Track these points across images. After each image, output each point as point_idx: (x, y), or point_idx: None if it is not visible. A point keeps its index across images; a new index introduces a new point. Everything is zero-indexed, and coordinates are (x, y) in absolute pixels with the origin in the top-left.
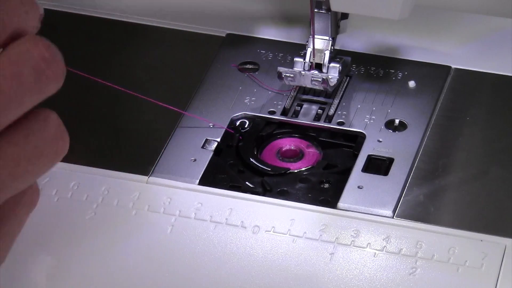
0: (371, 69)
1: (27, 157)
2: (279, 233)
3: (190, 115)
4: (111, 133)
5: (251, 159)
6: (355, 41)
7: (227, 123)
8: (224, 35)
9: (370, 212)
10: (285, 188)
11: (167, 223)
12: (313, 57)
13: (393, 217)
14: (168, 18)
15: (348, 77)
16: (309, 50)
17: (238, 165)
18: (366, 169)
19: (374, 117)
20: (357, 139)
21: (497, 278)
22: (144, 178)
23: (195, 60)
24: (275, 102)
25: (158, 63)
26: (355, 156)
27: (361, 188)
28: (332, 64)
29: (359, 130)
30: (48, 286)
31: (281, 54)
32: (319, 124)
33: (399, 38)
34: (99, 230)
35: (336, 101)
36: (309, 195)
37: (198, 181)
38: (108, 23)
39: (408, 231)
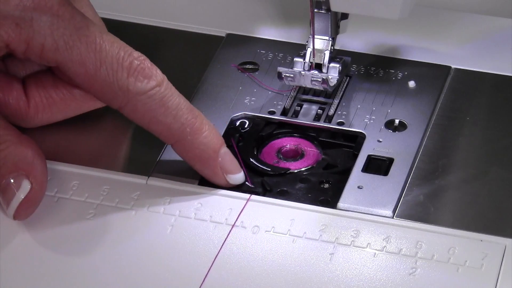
0: (371, 69)
1: None
2: (279, 233)
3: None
4: (111, 133)
5: (251, 159)
6: (355, 41)
7: (227, 123)
8: (224, 35)
9: (370, 212)
10: (285, 188)
11: (167, 223)
12: (313, 57)
13: (393, 217)
14: (168, 18)
15: (348, 77)
16: (309, 50)
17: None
18: (366, 169)
19: (374, 117)
20: (357, 139)
21: (497, 278)
22: (144, 178)
23: (195, 60)
24: (275, 102)
25: (158, 63)
26: (355, 156)
27: (361, 188)
28: (332, 64)
29: (359, 130)
30: (48, 285)
31: (281, 54)
32: (319, 124)
33: (399, 38)
34: (99, 230)
35: (336, 101)
36: (309, 195)
37: (198, 181)
38: (108, 23)
39: (408, 231)
